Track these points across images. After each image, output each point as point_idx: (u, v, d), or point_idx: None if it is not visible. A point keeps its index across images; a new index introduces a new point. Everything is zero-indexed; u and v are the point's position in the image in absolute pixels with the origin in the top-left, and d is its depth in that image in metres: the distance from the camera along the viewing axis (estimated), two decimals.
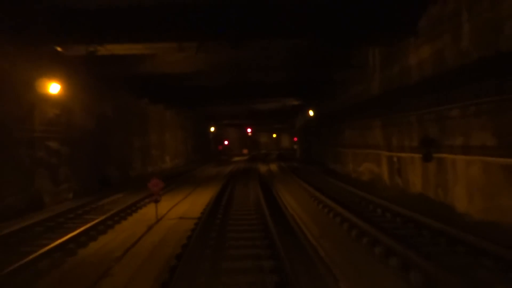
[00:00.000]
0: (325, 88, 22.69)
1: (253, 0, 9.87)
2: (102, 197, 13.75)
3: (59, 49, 11.64)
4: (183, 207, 12.13)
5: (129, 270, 6.16)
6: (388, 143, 13.71)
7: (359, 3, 10.48)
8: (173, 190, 16.50)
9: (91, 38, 10.43)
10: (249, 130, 67.17)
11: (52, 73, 12.38)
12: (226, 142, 60.93)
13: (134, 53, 13.15)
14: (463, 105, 8.68)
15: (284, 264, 5.57)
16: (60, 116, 13.62)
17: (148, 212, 11.23)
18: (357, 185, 14.59)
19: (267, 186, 16.62)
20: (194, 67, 15.69)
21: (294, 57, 15.90)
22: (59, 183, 13.38)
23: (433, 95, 10.00)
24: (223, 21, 10.26)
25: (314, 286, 5.21)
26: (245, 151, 61.61)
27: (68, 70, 13.35)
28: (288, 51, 14.84)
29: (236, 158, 47.89)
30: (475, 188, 8.46)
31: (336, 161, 22.64)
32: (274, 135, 75.23)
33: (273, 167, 30.20)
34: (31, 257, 6.36)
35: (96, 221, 9.33)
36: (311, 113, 29.67)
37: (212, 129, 49.82)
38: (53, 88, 12.51)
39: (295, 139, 50.81)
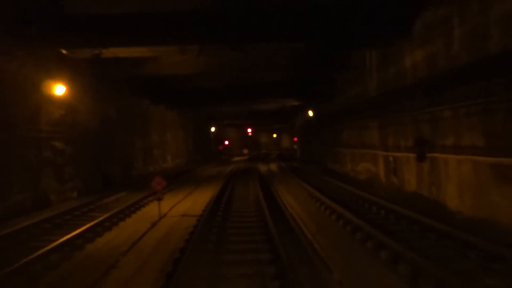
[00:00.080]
0: (325, 89, 23.07)
1: (252, 5, 10.21)
2: (106, 195, 14.11)
3: (64, 52, 12.02)
4: (185, 205, 12.50)
5: (135, 263, 6.53)
6: (385, 143, 14.07)
7: (355, 8, 10.83)
8: (175, 189, 16.87)
9: (96, 41, 10.81)
10: (249, 130, 67.51)
11: (57, 75, 12.78)
12: (226, 142, 61.28)
13: (137, 56, 13.54)
14: (455, 107, 9.04)
15: (281, 257, 5.92)
16: (65, 116, 13.99)
17: (151, 210, 11.60)
18: (354, 184, 14.95)
19: (267, 185, 16.98)
20: (196, 68, 16.05)
21: (294, 59, 16.26)
22: (64, 182, 13.75)
23: (426, 97, 10.37)
24: (223, 25, 10.61)
25: (310, 276, 5.56)
26: (245, 151, 61.94)
27: (73, 72, 13.74)
28: (288, 53, 15.23)
29: (237, 158, 48.24)
30: (465, 186, 8.81)
31: (335, 161, 23.01)
32: (275, 135, 75.58)
33: (273, 166, 30.56)
34: (42, 250, 6.73)
35: (101, 218, 9.70)
36: (310, 113, 30.05)
37: (213, 129, 50.18)
38: (59, 89, 12.91)
39: (295, 139, 51.16)
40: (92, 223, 9.11)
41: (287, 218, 9.73)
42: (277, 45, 12.58)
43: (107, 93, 17.79)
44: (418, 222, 8.09)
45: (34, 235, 8.60)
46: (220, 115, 42.41)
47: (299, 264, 6.04)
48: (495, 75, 7.56)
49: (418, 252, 5.94)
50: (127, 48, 11.61)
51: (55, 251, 6.97)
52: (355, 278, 5.43)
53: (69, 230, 8.81)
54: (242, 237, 7.92)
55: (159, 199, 10.52)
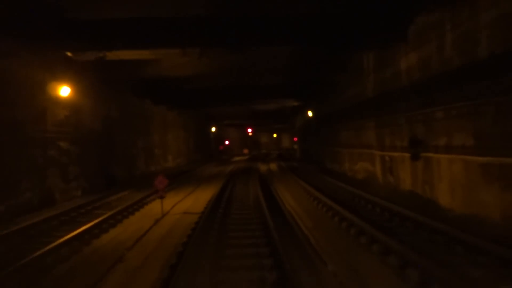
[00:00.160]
0: (324, 89, 23.43)
1: (251, 10, 10.57)
2: (109, 194, 14.49)
3: (70, 54, 12.37)
4: (187, 203, 12.86)
5: (141, 256, 6.90)
6: (381, 143, 14.42)
7: (352, 13, 11.18)
8: (176, 188, 17.22)
9: (101, 45, 11.16)
10: (249, 130, 67.85)
11: (63, 77, 13.16)
12: (227, 142, 61.61)
13: (139, 58, 13.89)
14: (446, 108, 9.40)
15: (279, 250, 6.29)
16: (70, 117, 14.37)
17: (154, 208, 11.97)
18: (352, 183, 15.31)
19: (267, 184, 17.34)
20: (197, 70, 16.42)
21: (293, 60, 16.63)
22: (68, 181, 14.13)
23: (420, 98, 10.72)
24: (223, 29, 10.97)
25: (305, 268, 5.93)
26: (245, 151, 62.28)
27: (77, 74, 14.09)
28: (287, 56, 15.57)
29: (237, 158, 48.59)
30: (456, 185, 9.17)
31: (334, 161, 23.36)
32: (275, 135, 75.96)
33: (273, 166, 30.92)
34: (52, 245, 7.11)
35: (106, 215, 10.06)
36: (310, 114, 30.41)
37: (213, 129, 50.51)
38: (64, 91, 13.29)
39: (295, 139, 51.49)
40: (98, 220, 9.48)
41: (286, 215, 10.09)
42: (277, 47, 12.93)
43: (109, 94, 18.17)
44: (411, 219, 8.46)
45: (44, 231, 8.98)
46: (220, 115, 42.76)
47: (296, 257, 6.40)
48: (483, 78, 7.92)
49: (408, 245, 6.31)
50: (131, 51, 11.96)
51: (64, 245, 7.34)
52: (348, 269, 5.80)
53: (76, 226, 9.19)
54: (242, 233, 8.28)
55: (162, 197, 10.88)
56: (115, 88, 18.56)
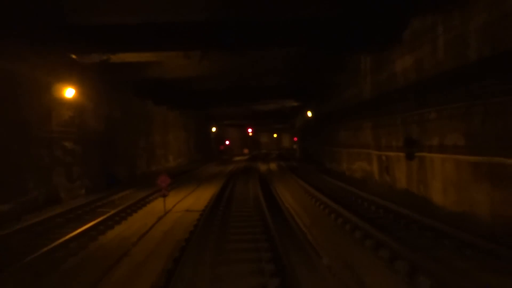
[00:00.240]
0: (323, 90, 23.77)
1: (250, 14, 10.90)
2: (112, 193, 14.82)
3: (74, 57, 12.72)
4: (188, 202, 13.20)
5: (145, 251, 7.24)
6: (378, 143, 14.76)
7: (349, 16, 11.51)
8: (178, 187, 17.55)
9: (105, 48, 11.51)
10: (250, 130, 68.17)
11: (67, 79, 13.51)
12: (227, 142, 61.88)
13: (142, 60, 14.25)
14: (439, 109, 9.73)
15: (277, 245, 6.62)
16: (74, 118, 14.72)
17: (156, 206, 12.31)
18: (350, 182, 15.65)
19: (266, 183, 17.67)
20: (198, 71, 16.75)
21: (293, 62, 16.96)
22: (73, 180, 14.47)
23: (415, 100, 11.06)
24: (224, 32, 11.29)
25: (302, 261, 6.26)
26: (246, 151, 62.56)
27: (81, 75, 14.45)
28: (286, 57, 15.90)
29: (237, 158, 48.92)
30: (449, 183, 9.50)
31: (332, 160, 23.70)
32: (275, 135, 76.27)
33: (273, 166, 31.26)
34: (61, 240, 7.45)
35: (111, 213, 10.41)
36: (309, 114, 30.74)
37: (214, 129, 50.83)
38: (68, 92, 13.63)
39: (295, 139, 51.79)
40: (103, 217, 9.81)
41: (284, 213, 10.42)
42: (275, 50, 13.27)
43: (112, 95, 18.52)
44: (404, 216, 8.80)
45: (51, 228, 9.32)
46: (221, 115, 43.08)
47: (293, 251, 6.74)
48: (473, 80, 8.26)
49: (400, 240, 6.65)
50: (134, 53, 12.31)
51: (72, 241, 7.69)
52: (341, 261, 6.14)
53: (81, 223, 9.53)
54: (242, 229, 8.61)
55: (164, 196, 11.21)
56: (117, 89, 18.91)
